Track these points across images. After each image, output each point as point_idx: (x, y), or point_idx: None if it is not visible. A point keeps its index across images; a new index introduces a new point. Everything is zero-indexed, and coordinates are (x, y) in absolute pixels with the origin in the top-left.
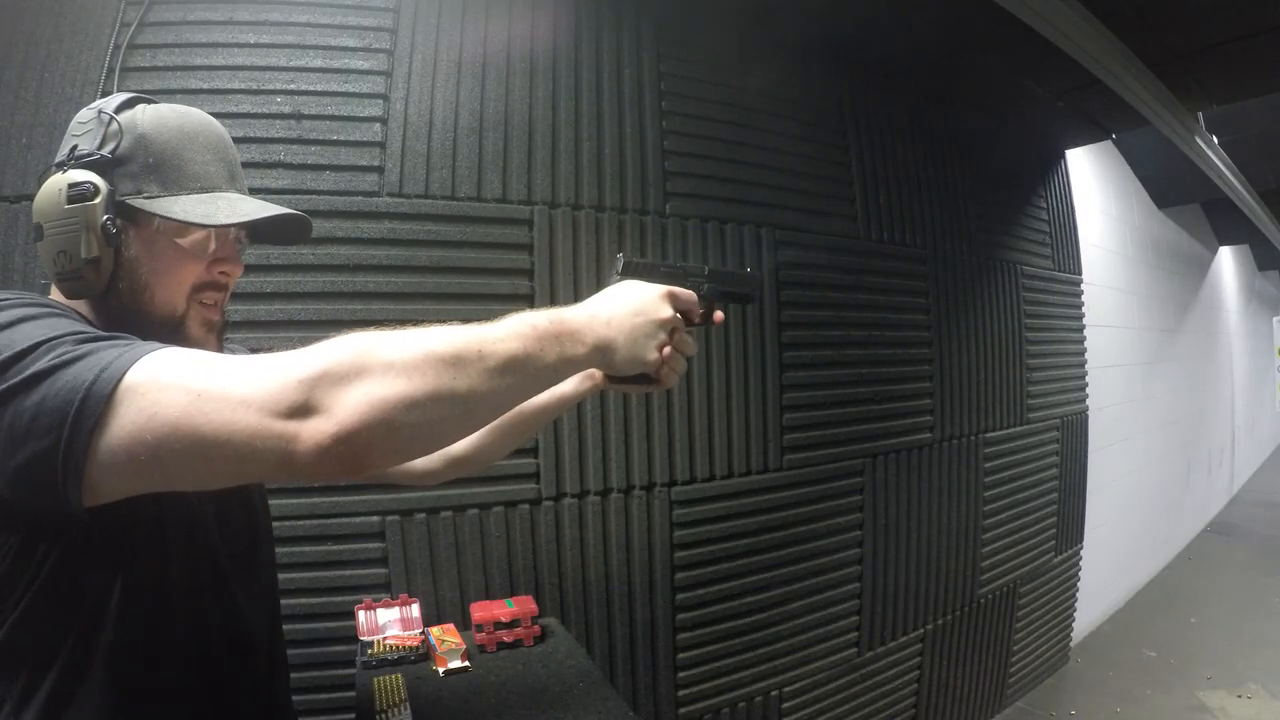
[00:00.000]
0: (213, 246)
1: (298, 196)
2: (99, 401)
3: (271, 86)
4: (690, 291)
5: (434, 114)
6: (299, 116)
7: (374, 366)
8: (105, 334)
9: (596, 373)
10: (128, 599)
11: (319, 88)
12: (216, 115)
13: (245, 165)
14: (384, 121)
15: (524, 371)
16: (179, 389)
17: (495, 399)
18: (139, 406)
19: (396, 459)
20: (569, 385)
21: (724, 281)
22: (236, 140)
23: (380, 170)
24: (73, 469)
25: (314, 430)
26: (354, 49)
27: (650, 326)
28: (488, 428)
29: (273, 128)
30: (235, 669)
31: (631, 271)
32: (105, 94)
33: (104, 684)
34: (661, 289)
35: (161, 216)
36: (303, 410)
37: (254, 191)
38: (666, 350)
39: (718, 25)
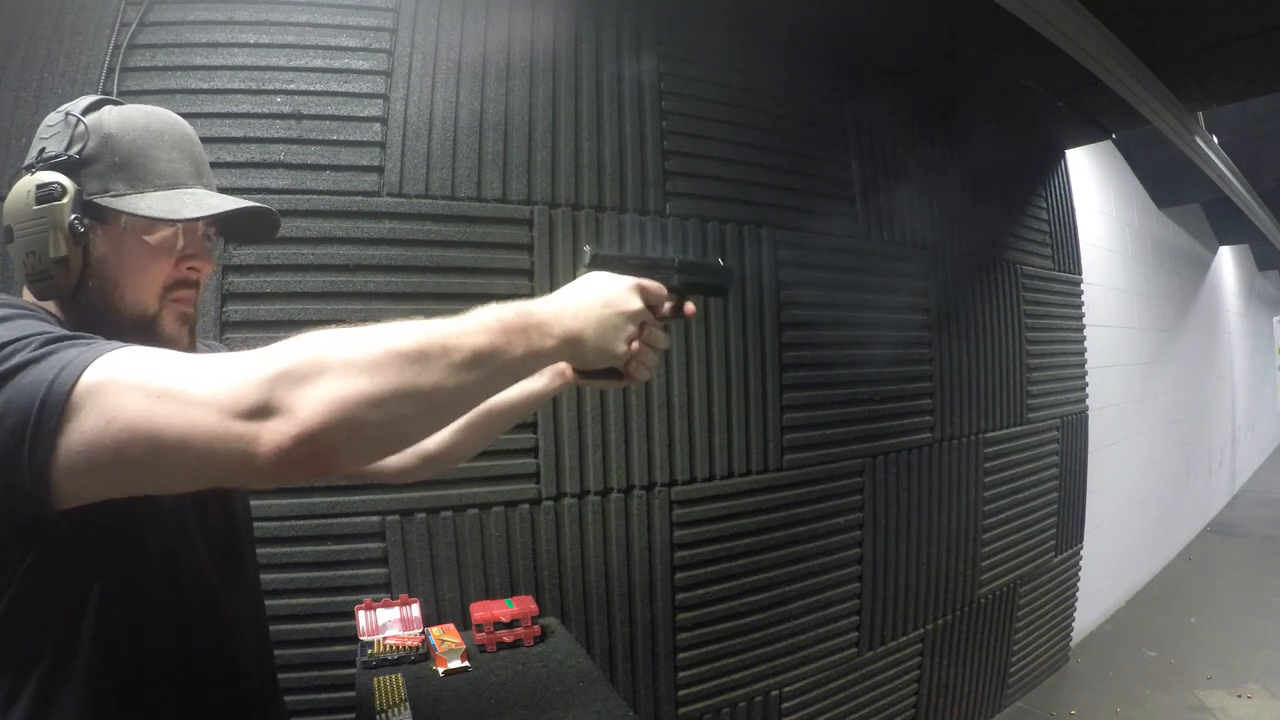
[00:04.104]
0: (180, 243)
1: (298, 196)
2: (58, 400)
3: (271, 86)
4: (659, 284)
5: (434, 114)
6: (299, 116)
7: (335, 364)
8: (70, 334)
9: (567, 369)
10: (108, 600)
11: (319, 88)
12: (216, 115)
13: (245, 165)
14: (384, 121)
15: (491, 366)
16: (139, 390)
17: (461, 394)
18: (99, 409)
19: (362, 459)
20: (539, 381)
21: (694, 273)
22: (236, 140)
23: (380, 170)
24: (39, 471)
25: (274, 431)
26: (354, 49)
27: (619, 319)
28: (458, 425)
29: (273, 128)
30: (221, 668)
31: (600, 264)
32: (106, 94)
33: (88, 684)
34: (630, 281)
35: (128, 214)
36: (263, 411)
37: (253, 192)
38: (635, 344)
39: (718, 25)
